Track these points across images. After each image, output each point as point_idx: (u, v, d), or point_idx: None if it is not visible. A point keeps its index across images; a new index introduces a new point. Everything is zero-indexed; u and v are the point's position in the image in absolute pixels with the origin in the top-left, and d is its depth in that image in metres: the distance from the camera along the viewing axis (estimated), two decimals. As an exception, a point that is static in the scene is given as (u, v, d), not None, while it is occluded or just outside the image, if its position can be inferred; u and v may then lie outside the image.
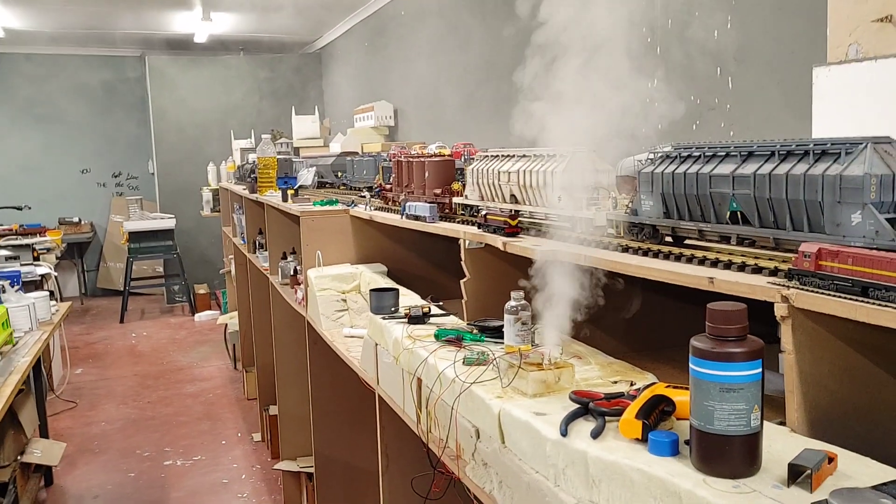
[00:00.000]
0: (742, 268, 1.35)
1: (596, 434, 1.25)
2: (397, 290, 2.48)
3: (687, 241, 1.59)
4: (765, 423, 1.08)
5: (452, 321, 2.14)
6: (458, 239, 2.26)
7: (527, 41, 1.61)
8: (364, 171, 4.11)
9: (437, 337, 1.92)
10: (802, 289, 1.16)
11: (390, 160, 3.28)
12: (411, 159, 2.90)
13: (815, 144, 1.28)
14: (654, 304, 2.04)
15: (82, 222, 10.88)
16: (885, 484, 0.98)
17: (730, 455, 1.05)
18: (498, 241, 2.03)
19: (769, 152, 1.37)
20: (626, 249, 1.66)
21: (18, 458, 4.28)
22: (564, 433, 1.28)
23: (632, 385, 1.52)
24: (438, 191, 2.66)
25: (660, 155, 1.64)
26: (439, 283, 3.08)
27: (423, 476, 2.18)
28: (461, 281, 2.20)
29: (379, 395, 2.29)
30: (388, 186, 3.20)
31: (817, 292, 1.14)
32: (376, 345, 2.25)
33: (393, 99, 7.33)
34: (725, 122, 3.08)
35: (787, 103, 2.80)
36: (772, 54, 2.89)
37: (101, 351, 8.37)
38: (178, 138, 10.36)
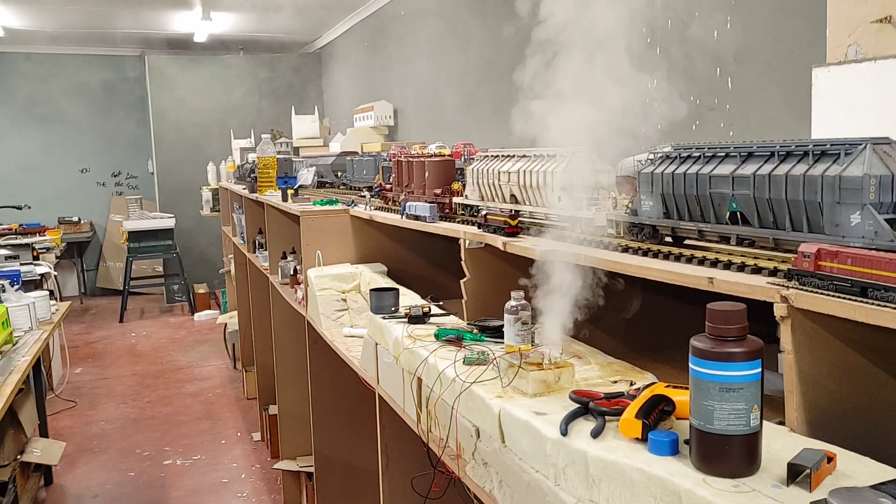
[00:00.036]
0: (741, 268, 1.35)
1: (596, 434, 1.25)
2: (397, 289, 2.48)
3: (687, 242, 1.60)
4: (764, 422, 1.09)
5: (452, 321, 2.15)
6: (458, 239, 2.27)
7: (527, 41, 1.61)
8: (364, 171, 4.11)
9: (437, 337, 1.93)
10: (802, 289, 1.17)
11: (390, 160, 3.28)
12: (411, 159, 2.91)
13: (814, 145, 1.29)
14: (653, 304, 2.04)
15: (82, 222, 10.89)
16: (883, 483, 0.99)
17: (729, 454, 1.06)
18: (498, 241, 2.03)
19: (769, 153, 1.37)
20: (625, 249, 1.66)
21: (18, 457, 4.28)
22: (564, 433, 1.28)
23: (631, 385, 1.53)
24: (438, 191, 2.66)
25: (660, 155, 1.65)
26: (439, 283, 3.08)
27: (423, 475, 2.18)
28: (461, 281, 2.20)
29: (379, 395, 2.30)
30: (388, 186, 3.21)
31: (816, 292, 1.14)
32: (376, 344, 2.26)
33: (393, 99, 7.33)
34: (725, 122, 3.09)
35: (787, 104, 2.81)
36: (771, 55, 2.89)
37: (100, 350, 8.38)
38: (178, 138, 10.36)
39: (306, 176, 4.87)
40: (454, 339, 1.87)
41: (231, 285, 7.48)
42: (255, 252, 5.10)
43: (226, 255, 8.00)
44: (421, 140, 6.01)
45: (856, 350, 1.21)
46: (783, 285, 1.20)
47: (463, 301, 2.20)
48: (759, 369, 1.06)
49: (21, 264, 5.73)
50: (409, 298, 2.54)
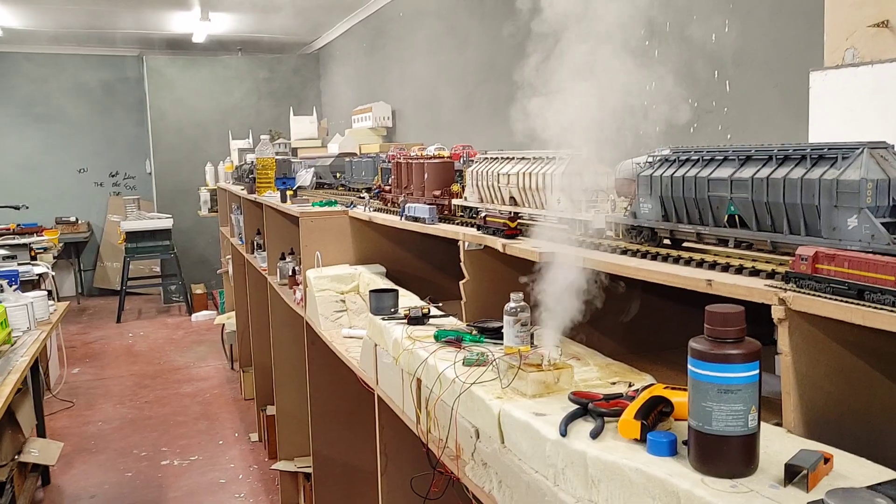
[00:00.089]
0: (740, 270, 1.36)
1: (595, 434, 1.26)
2: (397, 291, 2.49)
3: (685, 244, 1.61)
4: (762, 423, 1.10)
5: (452, 322, 2.16)
6: (457, 240, 2.27)
7: (525, 42, 1.62)
8: (363, 173, 4.12)
9: (436, 338, 1.93)
10: (799, 291, 1.18)
11: (389, 161, 3.29)
12: (410, 161, 2.92)
13: (812, 149, 1.30)
14: (651, 306, 2.05)
15: (79, 222, 10.88)
16: (880, 484, 1.00)
17: (727, 455, 1.07)
18: (497, 242, 2.04)
19: (767, 156, 1.38)
20: (624, 252, 1.67)
21: (16, 457, 4.28)
22: (564, 433, 1.29)
23: (630, 386, 1.54)
24: (438, 192, 2.67)
25: (658, 158, 1.66)
26: (437, 285, 3.09)
27: (422, 476, 2.19)
28: (460, 282, 2.21)
29: (378, 396, 2.31)
30: (387, 188, 3.22)
31: (814, 295, 1.15)
32: (376, 345, 2.26)
33: (391, 100, 7.34)
34: (723, 125, 3.10)
35: (784, 107, 2.82)
36: (769, 58, 2.91)
37: (97, 350, 8.37)
38: (176, 138, 10.37)
39: (305, 177, 4.87)
40: (454, 340, 1.88)
41: (229, 286, 7.48)
42: (253, 253, 5.11)
43: (224, 256, 8.00)
44: (419, 141, 6.03)
45: (852, 352, 1.22)
46: (781, 288, 1.21)
47: (462, 302, 2.20)
48: (757, 371, 1.07)
49: (19, 264, 5.73)
50: (407, 300, 2.55)
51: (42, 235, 8.28)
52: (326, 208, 3.49)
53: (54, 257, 8.15)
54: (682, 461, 1.13)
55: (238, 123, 9.66)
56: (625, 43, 1.52)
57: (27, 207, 9.54)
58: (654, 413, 1.24)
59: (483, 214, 2.18)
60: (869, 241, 1.18)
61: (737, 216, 1.43)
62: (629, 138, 1.59)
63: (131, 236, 9.61)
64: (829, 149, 1.27)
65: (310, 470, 3.87)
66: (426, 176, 2.74)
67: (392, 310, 2.33)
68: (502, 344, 1.77)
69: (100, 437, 5.75)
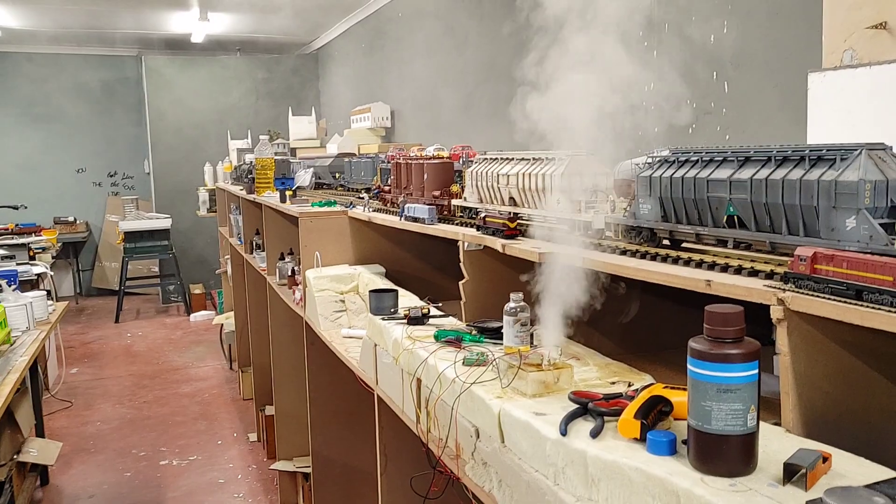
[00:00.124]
0: (739, 271, 1.37)
1: (595, 434, 1.27)
2: (396, 291, 2.50)
3: (684, 245, 1.62)
4: (761, 423, 1.10)
5: (451, 322, 2.16)
6: (457, 241, 2.28)
7: (525, 42, 1.63)
8: (362, 173, 4.12)
9: (436, 338, 1.94)
10: (798, 292, 1.18)
11: (388, 162, 3.30)
12: (410, 161, 2.92)
13: (810, 150, 1.31)
14: (651, 306, 2.06)
15: (77, 222, 10.87)
16: (878, 483, 1.00)
17: (727, 454, 1.08)
18: (497, 243, 2.05)
19: (766, 157, 1.39)
20: (623, 252, 1.68)
21: (15, 457, 4.28)
22: (564, 433, 1.30)
23: (630, 386, 1.54)
24: (437, 193, 2.67)
25: (658, 159, 1.67)
26: (436, 285, 3.09)
27: (422, 476, 2.20)
28: (460, 282, 2.21)
29: (378, 396, 2.31)
30: (386, 188, 3.22)
31: (812, 295, 1.16)
32: (375, 345, 2.27)
33: (390, 100, 7.35)
34: (721, 126, 3.11)
35: (783, 108, 2.83)
36: (768, 59, 2.92)
37: (96, 350, 8.37)
38: (175, 138, 10.37)
39: (304, 177, 4.88)
40: (453, 340, 1.89)
41: (227, 286, 7.48)
42: (252, 253, 5.11)
43: (222, 256, 8.00)
44: (418, 142, 6.04)
45: (851, 352, 1.23)
46: (780, 288, 1.22)
47: (461, 302, 2.21)
48: (756, 371, 1.08)
49: (17, 264, 5.72)
50: (407, 300, 2.56)
51: (40, 235, 8.27)
52: (326, 208, 3.50)
53: (53, 257, 8.15)
54: (682, 460, 1.14)
55: (237, 123, 9.66)
56: (624, 43, 1.53)
57: (26, 207, 9.52)
58: (654, 412, 1.25)
59: (483, 215, 2.19)
60: (867, 242, 1.18)
61: (736, 217, 1.44)
62: (628, 139, 1.60)
63: (130, 236, 9.61)
64: (828, 150, 1.28)
65: (309, 470, 3.87)
66: (426, 176, 2.74)
67: (392, 310, 2.34)
68: (502, 344, 1.78)
69: (98, 437, 5.75)
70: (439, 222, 2.58)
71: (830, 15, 2.14)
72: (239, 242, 5.73)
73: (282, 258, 4.21)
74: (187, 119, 10.38)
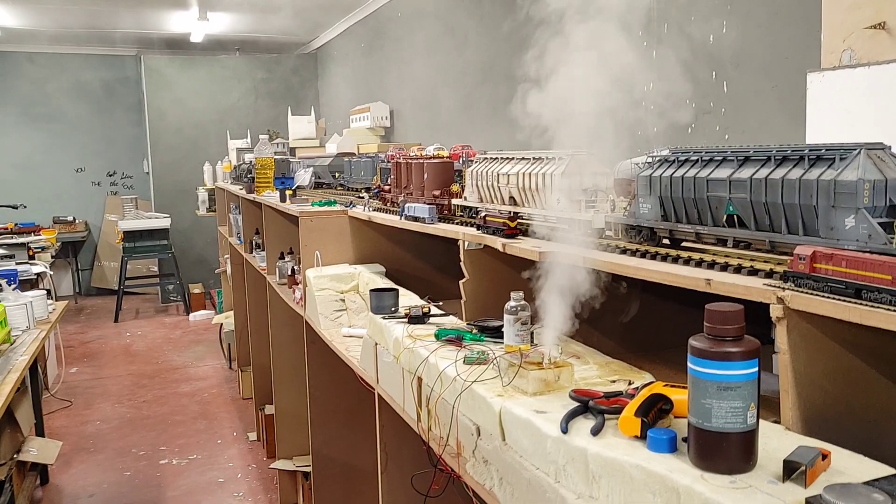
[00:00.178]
0: (738, 270, 1.38)
1: (596, 431, 1.28)
2: (397, 290, 2.50)
3: (684, 244, 1.63)
4: (760, 421, 1.11)
5: (452, 321, 2.17)
6: (457, 240, 2.29)
7: (524, 42, 1.63)
8: (362, 172, 4.13)
9: (437, 336, 1.95)
10: (797, 290, 1.19)
11: (388, 161, 3.31)
12: (410, 161, 2.93)
13: (809, 150, 1.32)
14: (650, 306, 2.07)
15: (76, 221, 10.87)
16: (877, 480, 1.01)
17: (727, 451, 1.08)
18: (497, 242, 2.06)
19: (765, 157, 1.40)
20: (623, 251, 1.69)
21: (15, 456, 4.29)
22: (565, 430, 1.31)
23: (630, 384, 1.55)
24: (437, 192, 2.68)
25: (658, 158, 1.67)
26: (436, 284, 3.10)
27: (422, 474, 2.21)
28: (460, 281, 2.22)
29: (378, 395, 2.32)
30: (386, 187, 3.23)
31: (812, 294, 1.17)
32: (376, 344, 2.28)
33: (389, 100, 7.35)
34: (721, 125, 3.12)
35: (782, 108, 2.84)
36: (767, 59, 2.93)
37: (95, 350, 8.37)
38: (174, 138, 10.37)
39: (304, 177, 4.88)
40: (454, 338, 1.89)
41: (227, 285, 7.49)
42: (252, 252, 5.12)
43: (222, 256, 8.01)
44: (417, 141, 6.04)
45: (850, 350, 1.23)
46: (779, 287, 1.23)
47: (462, 301, 2.22)
48: (756, 368, 1.08)
49: (17, 263, 5.73)
50: (407, 299, 2.56)
51: (40, 235, 8.28)
52: (326, 208, 3.50)
53: (52, 257, 8.15)
54: (682, 457, 1.15)
55: (236, 123, 9.66)
56: (624, 42, 1.54)
57: (25, 207, 9.53)
58: (654, 410, 1.25)
59: (483, 214, 2.20)
60: (866, 241, 1.19)
61: (735, 216, 1.45)
62: (628, 138, 1.61)
63: (129, 236, 9.61)
64: (827, 150, 1.29)
65: (308, 469, 3.88)
66: (426, 176, 2.75)
67: (392, 309, 2.34)
68: (503, 343, 1.79)
69: (98, 437, 5.75)
70: (439, 222, 2.59)
71: (829, 15, 2.15)
72: (239, 242, 5.73)
73: (281, 257, 4.21)
74: (187, 119, 10.38)
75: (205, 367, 7.54)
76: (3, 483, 3.96)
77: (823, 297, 1.15)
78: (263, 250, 4.61)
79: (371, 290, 2.46)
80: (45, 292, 4.67)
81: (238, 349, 6.62)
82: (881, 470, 1.07)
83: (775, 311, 1.20)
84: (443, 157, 2.94)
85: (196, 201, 9.06)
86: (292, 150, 7.63)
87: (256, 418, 5.59)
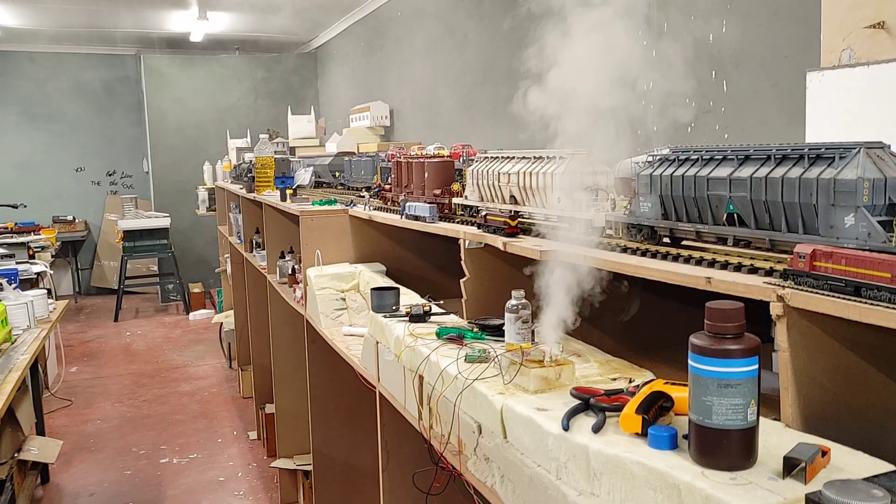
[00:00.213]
0: (738, 268, 1.39)
1: (597, 429, 1.28)
2: (398, 288, 2.51)
3: (684, 242, 1.63)
4: (760, 418, 1.12)
5: (453, 320, 2.18)
6: (457, 239, 2.29)
7: (524, 42, 1.64)
8: (362, 172, 4.13)
9: (438, 335, 1.95)
10: (797, 288, 1.20)
11: (389, 160, 3.31)
12: (411, 160, 2.94)
13: (809, 149, 1.33)
14: (651, 305, 2.08)
15: (76, 220, 10.88)
16: (876, 476, 1.02)
17: (727, 448, 1.09)
18: (498, 241, 2.06)
19: (765, 156, 1.41)
20: (624, 250, 1.70)
21: (15, 455, 4.29)
22: (566, 428, 1.31)
23: (631, 382, 1.56)
24: (438, 191, 2.69)
25: (658, 157, 1.68)
26: (436, 283, 3.11)
27: (423, 472, 2.21)
28: (461, 280, 2.23)
29: (380, 393, 2.32)
30: (387, 186, 3.24)
31: (812, 292, 1.18)
32: (377, 343, 2.28)
33: (389, 99, 7.36)
34: (720, 124, 3.13)
35: (782, 107, 2.85)
36: (766, 58, 2.93)
37: (95, 349, 8.38)
38: (174, 137, 10.37)
39: (304, 176, 4.89)
40: (455, 337, 1.90)
41: (227, 284, 7.49)
42: (252, 251, 5.12)
43: (222, 255, 8.01)
44: (417, 141, 6.05)
45: (849, 348, 1.24)
46: (779, 285, 1.23)
47: (462, 300, 2.22)
48: (757, 366, 1.09)
49: (17, 263, 5.73)
50: (408, 298, 2.57)
51: (39, 234, 8.28)
52: (326, 207, 3.51)
53: (52, 256, 8.16)
54: (683, 454, 1.15)
55: (236, 123, 9.67)
56: (621, 43, 1.54)
57: (25, 206, 9.54)
58: (655, 408, 1.26)
59: (484, 213, 2.21)
60: (865, 239, 1.20)
61: (736, 215, 1.46)
62: (628, 137, 1.61)
63: (129, 235, 9.61)
64: (827, 148, 1.29)
65: (309, 468, 3.89)
66: (426, 175, 2.76)
67: (393, 307, 2.35)
68: (504, 341, 1.80)
69: (98, 436, 5.76)
70: (440, 221, 2.59)
71: (829, 14, 2.16)
72: (239, 241, 5.74)
73: (282, 256, 4.22)
74: (187, 118, 10.38)
75: (205, 367, 7.55)
76: (3, 482, 3.97)
77: (823, 294, 1.16)
78: (264, 249, 4.61)
79: (372, 289, 2.47)
80: (45, 291, 4.67)
81: (238, 348, 6.62)
82: (880, 466, 1.08)
83: (775, 309, 1.21)
84: (443, 157, 2.95)
85: (196, 201, 9.07)
86: (292, 150, 7.63)
87: (257, 417, 5.60)
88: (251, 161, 5.13)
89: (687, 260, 1.52)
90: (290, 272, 3.99)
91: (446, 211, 2.63)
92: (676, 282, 1.45)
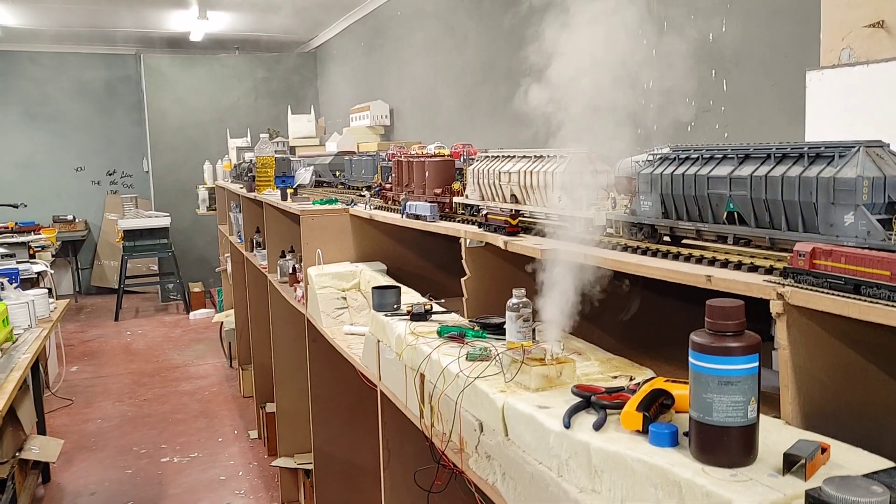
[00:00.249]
0: (739, 266, 1.39)
1: (598, 426, 1.29)
2: (399, 287, 2.51)
3: (685, 241, 1.64)
4: (761, 415, 1.12)
5: (454, 318, 2.18)
6: (458, 238, 2.30)
7: (524, 41, 1.65)
8: (362, 171, 4.14)
9: (439, 333, 1.96)
10: (797, 286, 1.21)
11: (389, 160, 3.32)
12: (411, 159, 2.94)
13: (809, 147, 1.33)
14: (651, 303, 2.08)
15: (76, 220, 10.88)
16: (876, 472, 1.03)
17: (728, 445, 1.10)
18: (499, 240, 2.07)
19: (765, 155, 1.41)
20: (625, 248, 1.70)
21: (17, 454, 4.30)
22: (567, 425, 1.32)
23: (631, 380, 1.57)
24: (439, 190, 2.69)
25: (658, 156, 1.69)
26: (437, 282, 3.12)
27: (425, 470, 2.22)
28: (462, 279, 2.24)
29: (381, 391, 2.33)
30: (387, 186, 3.24)
31: (811, 290, 1.18)
32: (378, 342, 2.29)
33: (389, 99, 7.36)
34: (720, 123, 3.13)
35: (781, 106, 2.85)
36: (766, 57, 2.94)
37: (96, 349, 8.38)
38: (174, 137, 10.37)
39: (304, 175, 4.90)
40: (456, 335, 1.91)
41: (227, 284, 7.50)
42: (252, 251, 5.13)
43: (222, 254, 8.02)
44: (417, 140, 6.05)
45: (849, 346, 1.25)
46: (779, 283, 1.24)
47: (463, 299, 2.23)
48: (757, 363, 1.10)
49: (18, 262, 5.74)
50: (409, 297, 2.58)
51: (40, 234, 8.29)
52: (327, 206, 3.52)
53: (52, 255, 8.16)
54: (684, 451, 1.16)
55: (236, 122, 9.67)
56: (622, 42, 1.55)
57: (25, 206, 9.54)
58: (656, 405, 1.27)
59: (484, 212, 2.21)
60: (865, 238, 1.21)
61: (736, 213, 1.46)
62: (628, 136, 1.62)
63: (129, 234, 9.61)
64: (826, 147, 1.30)
65: (310, 466, 3.90)
66: (427, 174, 2.76)
67: (395, 306, 2.35)
68: (505, 339, 1.80)
69: (99, 435, 5.77)
70: (441, 220, 2.60)
71: (828, 13, 2.17)
72: (239, 240, 5.74)
73: (282, 256, 4.23)
74: (187, 118, 10.39)
75: (205, 366, 7.56)
76: (5, 481, 3.97)
77: (823, 292, 1.17)
78: (264, 249, 4.62)
79: (373, 288, 2.48)
80: (46, 291, 4.68)
81: (238, 347, 6.63)
82: (880, 463, 1.09)
83: (775, 307, 1.22)
84: (444, 156, 2.95)
85: (196, 200, 9.07)
86: (292, 149, 7.64)
87: (257, 416, 5.60)
88: (251, 160, 5.14)
89: (687, 258, 1.52)
90: (290, 271, 4.00)
91: (447, 210, 2.64)
92: (677, 280, 1.45)
